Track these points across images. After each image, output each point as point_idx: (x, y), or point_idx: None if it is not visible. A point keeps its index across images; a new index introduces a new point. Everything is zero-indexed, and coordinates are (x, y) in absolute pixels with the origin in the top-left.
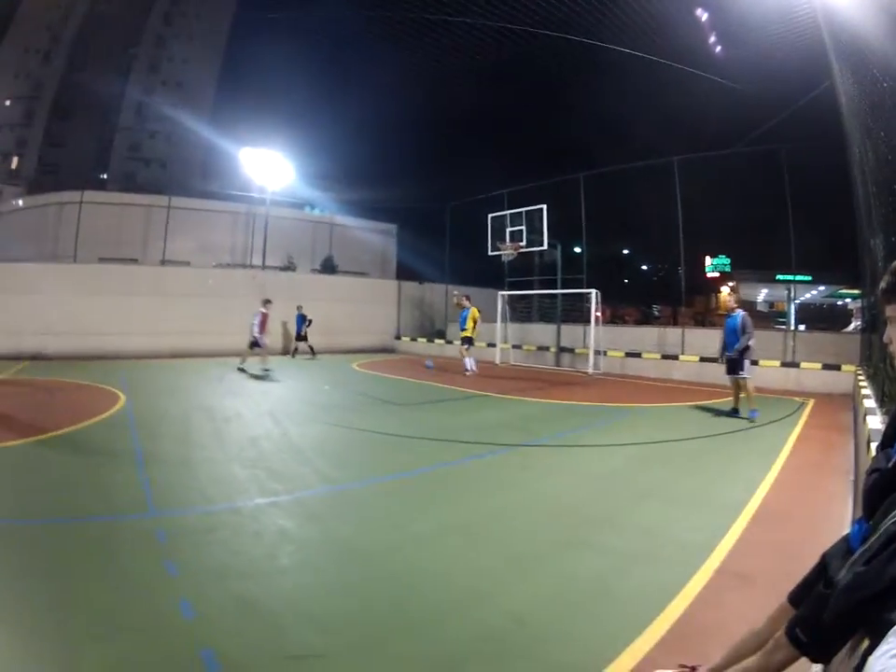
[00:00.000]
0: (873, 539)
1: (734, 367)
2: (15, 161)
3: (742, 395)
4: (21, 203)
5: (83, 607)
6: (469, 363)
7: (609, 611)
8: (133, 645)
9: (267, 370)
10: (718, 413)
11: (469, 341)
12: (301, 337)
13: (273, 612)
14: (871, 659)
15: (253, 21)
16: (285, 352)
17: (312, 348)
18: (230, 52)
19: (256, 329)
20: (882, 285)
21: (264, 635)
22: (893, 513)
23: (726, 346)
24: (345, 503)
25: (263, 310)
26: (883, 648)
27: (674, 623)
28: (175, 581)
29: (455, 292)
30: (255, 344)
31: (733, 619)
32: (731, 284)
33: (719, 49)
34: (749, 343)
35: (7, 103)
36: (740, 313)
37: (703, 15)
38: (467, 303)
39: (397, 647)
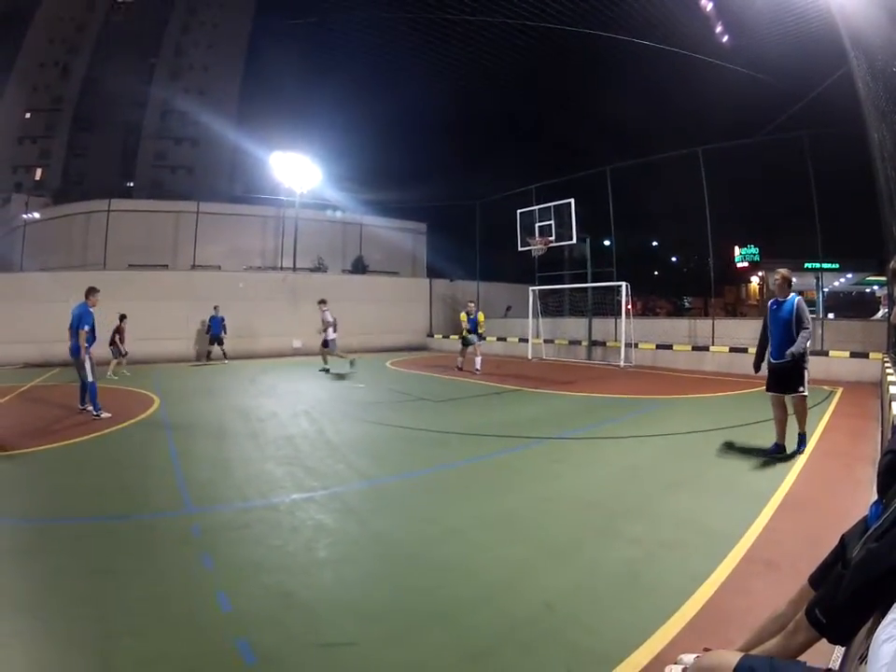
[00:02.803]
0: (885, 515)
1: (785, 379)
2: (39, 173)
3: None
4: (48, 213)
5: (122, 601)
6: (478, 361)
7: (638, 598)
8: (171, 637)
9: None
10: (746, 402)
11: (481, 337)
12: (217, 340)
13: (308, 603)
14: (878, 629)
15: (275, 26)
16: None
17: (225, 353)
18: (252, 57)
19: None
20: (892, 265)
21: (300, 625)
22: None
23: (772, 348)
24: (381, 498)
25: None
26: (890, 617)
27: (700, 609)
28: (211, 574)
29: (470, 303)
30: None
31: (758, 605)
32: (759, 273)
33: (737, 38)
34: (808, 343)
35: (28, 115)
36: (794, 297)
37: (719, 6)
38: (474, 309)
39: (431, 635)
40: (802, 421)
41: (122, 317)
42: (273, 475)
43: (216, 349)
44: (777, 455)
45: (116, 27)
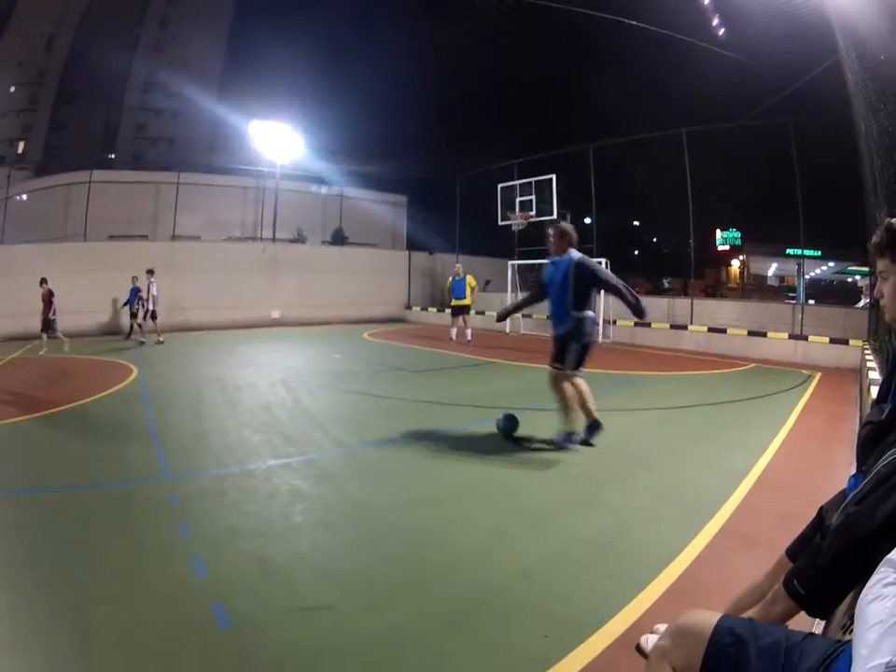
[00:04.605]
0: (865, 481)
1: (556, 352)
2: (21, 146)
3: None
4: (29, 186)
5: (99, 569)
6: (469, 333)
7: (614, 568)
8: (148, 603)
9: None
10: (724, 382)
11: (468, 309)
12: (135, 314)
13: (284, 568)
14: (864, 590)
15: None
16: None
17: (140, 327)
18: (236, 27)
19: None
20: (874, 239)
21: (275, 589)
22: (884, 457)
23: (551, 315)
24: (358, 464)
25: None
26: (875, 577)
27: (676, 579)
28: (187, 541)
29: (457, 264)
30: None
31: (734, 577)
32: (741, 257)
33: (726, 22)
34: (590, 313)
35: (12, 89)
36: (573, 255)
37: None
38: (462, 270)
39: (408, 600)
40: (563, 408)
41: (42, 281)
42: (249, 442)
43: (137, 324)
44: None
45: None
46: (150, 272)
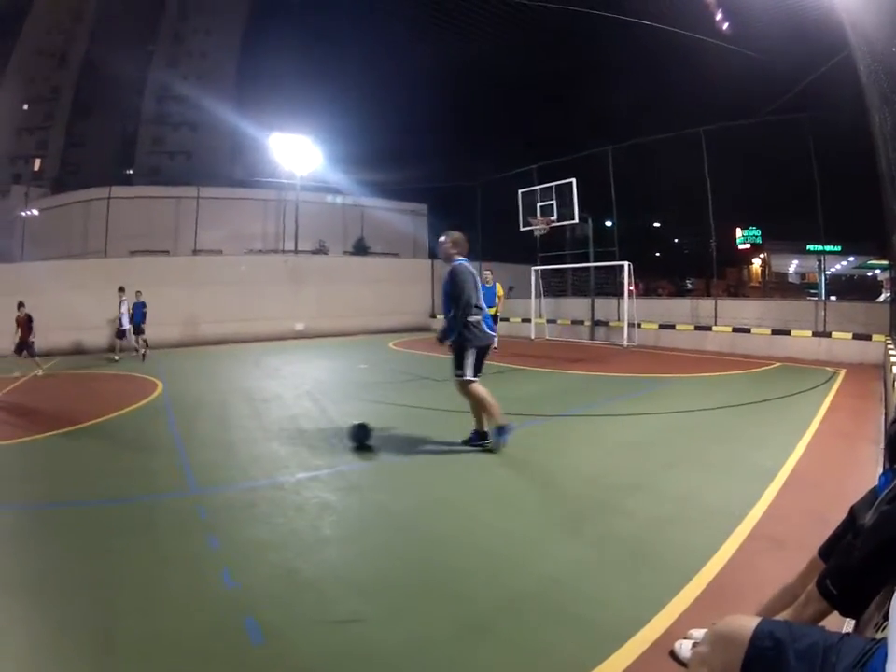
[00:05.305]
0: None
1: (457, 358)
2: (38, 163)
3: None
4: (46, 203)
5: (128, 582)
6: (496, 341)
7: (644, 573)
8: (177, 615)
9: None
10: (749, 382)
11: (496, 318)
12: (138, 329)
13: (314, 580)
14: None
15: (274, 7)
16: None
17: (147, 343)
18: (250, 39)
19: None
20: None
21: (306, 601)
22: None
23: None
24: (385, 475)
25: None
26: None
27: (708, 584)
28: (216, 553)
29: (486, 271)
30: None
31: (765, 580)
32: (762, 255)
33: (731, 17)
34: (470, 318)
35: (26, 107)
36: (455, 263)
37: None
38: (491, 278)
39: (437, 610)
40: (475, 413)
41: (20, 305)
42: (277, 454)
43: (127, 342)
44: (477, 443)
45: (114, 15)
46: (122, 289)
